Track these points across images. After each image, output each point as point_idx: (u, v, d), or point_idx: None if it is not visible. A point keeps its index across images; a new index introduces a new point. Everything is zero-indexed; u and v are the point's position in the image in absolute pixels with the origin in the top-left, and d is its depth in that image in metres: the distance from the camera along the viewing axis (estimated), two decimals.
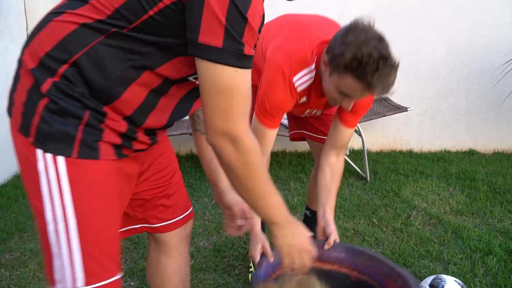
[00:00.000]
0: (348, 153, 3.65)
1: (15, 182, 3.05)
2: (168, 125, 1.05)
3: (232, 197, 1.27)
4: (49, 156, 0.86)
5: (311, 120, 1.88)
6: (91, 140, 0.89)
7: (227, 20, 0.78)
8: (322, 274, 1.76)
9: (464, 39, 3.70)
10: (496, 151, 3.94)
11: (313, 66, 1.43)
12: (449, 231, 2.39)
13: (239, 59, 0.81)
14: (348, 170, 3.28)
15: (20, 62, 0.91)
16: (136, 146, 1.01)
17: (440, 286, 1.59)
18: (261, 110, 1.49)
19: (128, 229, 1.24)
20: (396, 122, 3.85)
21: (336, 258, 1.79)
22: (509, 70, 3.55)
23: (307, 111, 1.71)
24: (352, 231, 2.37)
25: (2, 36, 3.11)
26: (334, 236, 1.57)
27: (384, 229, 2.41)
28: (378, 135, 3.87)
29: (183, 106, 1.04)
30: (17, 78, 0.91)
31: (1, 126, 3.04)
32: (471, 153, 3.84)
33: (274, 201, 1.00)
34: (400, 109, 3.21)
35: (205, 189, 2.96)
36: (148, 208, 1.21)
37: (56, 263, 0.90)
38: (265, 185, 0.97)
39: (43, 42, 0.88)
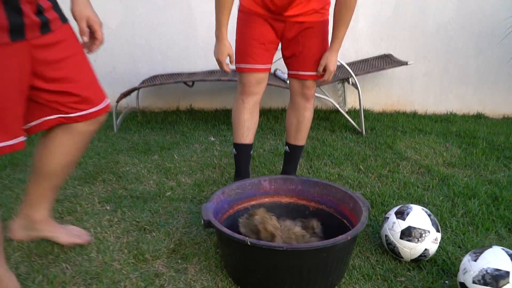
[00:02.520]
0: (346, 110, 3.60)
1: None
2: None
3: (77, 10, 1.28)
4: None
5: (291, 61, 1.94)
6: None
7: None
8: (281, 208, 1.78)
9: None
10: (506, 116, 3.81)
11: None
12: (436, 178, 2.33)
13: None
14: (344, 126, 3.24)
15: None
16: (27, 22, 1.13)
17: (406, 213, 1.56)
18: None
19: (44, 120, 1.33)
20: (401, 81, 3.75)
21: (293, 191, 1.80)
22: None
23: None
24: (336, 176, 2.35)
25: None
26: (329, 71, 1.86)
27: (370, 175, 2.38)
28: (381, 94, 3.78)
29: None
30: None
31: None
32: (479, 117, 3.72)
33: None
34: (400, 63, 3.12)
35: (197, 137, 2.98)
36: (59, 97, 1.30)
37: None
38: None
39: None
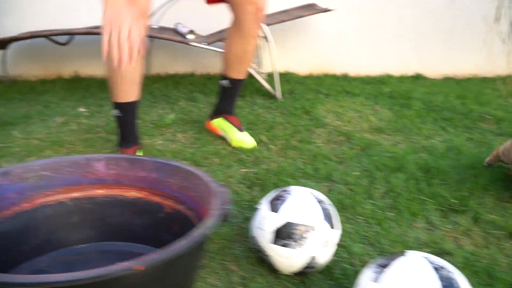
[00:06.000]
0: (262, 72, 3.00)
1: None
2: None
3: None
4: None
5: None
6: None
7: None
8: (124, 206, 1.17)
9: None
10: (447, 76, 3.36)
11: None
12: (357, 148, 1.80)
13: None
14: (258, 90, 2.65)
15: None
16: None
17: (281, 201, 0.99)
18: None
19: None
20: (329, 38, 3.20)
21: (144, 181, 1.18)
22: None
23: None
24: (227, 150, 1.76)
25: None
26: None
27: (272, 147, 1.81)
28: (307, 54, 3.22)
29: None
30: None
31: None
32: (417, 77, 3.25)
33: None
34: (321, 10, 2.54)
35: (63, 108, 2.29)
36: None
37: None
38: None
39: None
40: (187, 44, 2.45)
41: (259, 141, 1.85)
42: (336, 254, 1.08)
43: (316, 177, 1.52)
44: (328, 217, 0.98)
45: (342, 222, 1.23)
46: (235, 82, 1.79)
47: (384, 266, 0.78)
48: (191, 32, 2.57)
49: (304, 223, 0.94)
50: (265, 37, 2.48)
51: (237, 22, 1.66)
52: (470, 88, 2.90)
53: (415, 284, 0.72)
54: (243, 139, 1.78)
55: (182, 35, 2.59)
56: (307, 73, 3.23)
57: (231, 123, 1.83)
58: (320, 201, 0.99)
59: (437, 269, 0.74)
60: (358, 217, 1.26)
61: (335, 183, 1.47)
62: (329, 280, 1.01)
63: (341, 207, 1.31)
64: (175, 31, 2.71)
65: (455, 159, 1.66)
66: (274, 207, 0.98)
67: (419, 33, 3.25)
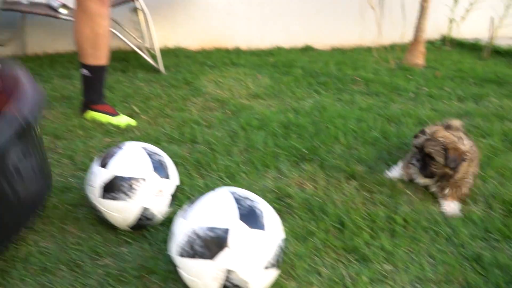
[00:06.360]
0: (148, 46, 2.92)
1: None
2: None
3: None
4: None
5: None
6: None
7: None
8: None
9: None
10: (335, 47, 3.54)
11: None
12: (229, 112, 1.84)
13: None
14: (143, 65, 2.57)
15: None
16: None
17: (110, 157, 0.98)
18: None
19: None
20: (218, 12, 3.19)
21: None
22: None
23: None
24: (94, 122, 1.70)
25: None
26: None
27: (144, 116, 1.78)
28: (197, 28, 3.19)
29: None
30: None
31: None
32: (306, 49, 3.37)
33: None
34: None
35: None
36: None
37: None
38: None
39: None
40: (58, 18, 2.31)
41: (131, 113, 1.81)
42: (182, 206, 1.10)
43: (180, 140, 1.53)
44: (160, 169, 0.99)
45: (195, 178, 1.26)
46: (95, 70, 1.63)
47: (193, 203, 0.81)
48: (64, 6, 2.42)
49: (132, 175, 0.94)
50: (142, 10, 2.41)
51: (80, 2, 1.55)
52: (352, 56, 3.08)
53: (215, 212, 0.76)
54: (120, 122, 1.66)
55: (55, 10, 2.43)
56: (199, 48, 3.20)
57: (103, 111, 1.68)
58: (151, 154, 1.00)
59: (238, 199, 0.78)
60: (212, 172, 1.30)
61: (198, 144, 1.50)
62: (169, 230, 1.02)
63: (198, 165, 1.34)
64: (47, 6, 2.53)
65: (318, 116, 1.77)
66: (103, 163, 0.97)
67: (305, 6, 3.37)
